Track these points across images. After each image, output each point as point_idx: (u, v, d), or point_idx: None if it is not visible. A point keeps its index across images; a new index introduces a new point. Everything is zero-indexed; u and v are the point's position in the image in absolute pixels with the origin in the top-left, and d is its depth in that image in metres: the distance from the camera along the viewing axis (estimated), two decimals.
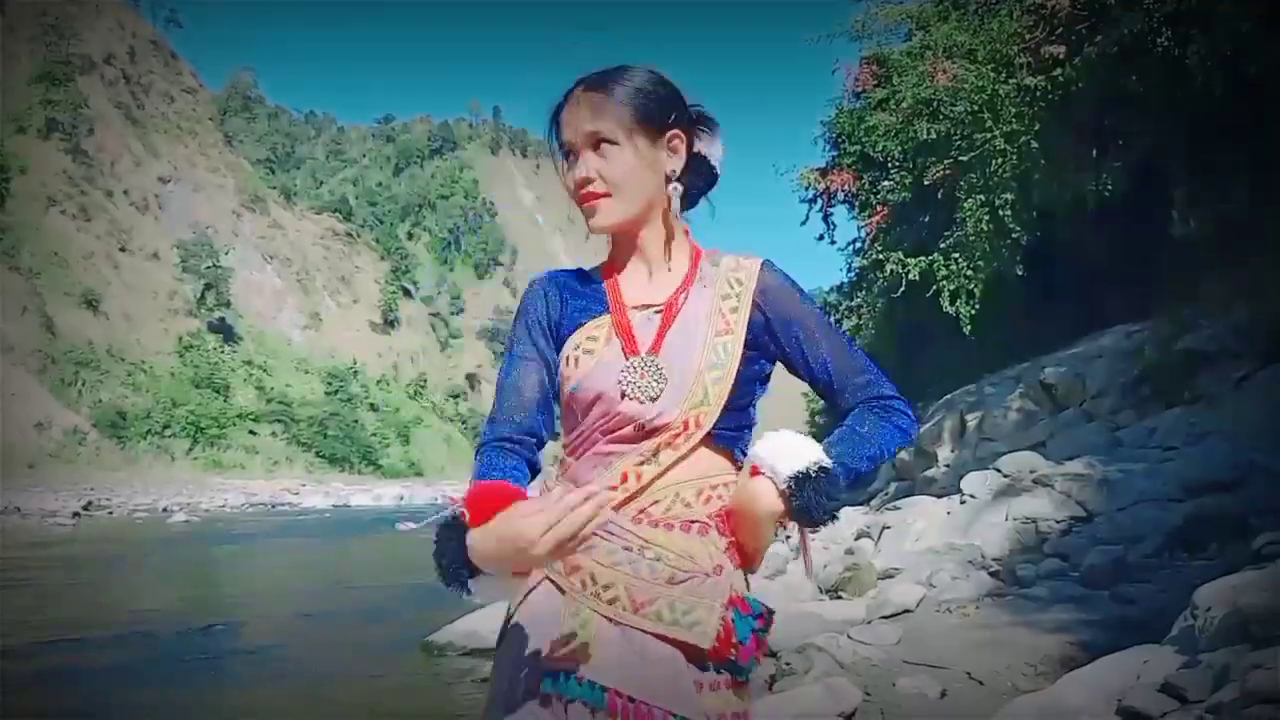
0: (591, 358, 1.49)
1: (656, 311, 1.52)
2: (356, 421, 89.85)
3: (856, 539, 8.73)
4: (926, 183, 12.32)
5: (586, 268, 1.63)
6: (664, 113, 1.51)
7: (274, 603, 11.24)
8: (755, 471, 1.39)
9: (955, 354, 15.05)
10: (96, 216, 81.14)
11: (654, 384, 1.46)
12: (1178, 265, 11.88)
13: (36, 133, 79.41)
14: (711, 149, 1.58)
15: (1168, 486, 7.32)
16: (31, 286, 68.40)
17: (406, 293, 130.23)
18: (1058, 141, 11.00)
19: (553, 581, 1.45)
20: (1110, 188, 10.97)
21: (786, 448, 1.38)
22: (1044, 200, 11.50)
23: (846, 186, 15.46)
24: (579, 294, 1.57)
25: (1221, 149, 10.38)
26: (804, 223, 16.55)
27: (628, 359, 1.48)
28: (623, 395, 1.46)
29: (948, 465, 11.65)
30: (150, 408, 70.29)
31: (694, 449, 1.45)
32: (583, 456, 1.50)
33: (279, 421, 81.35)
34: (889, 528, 8.65)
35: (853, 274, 20.15)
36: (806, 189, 15.91)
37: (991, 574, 6.61)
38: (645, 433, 1.45)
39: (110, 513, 33.99)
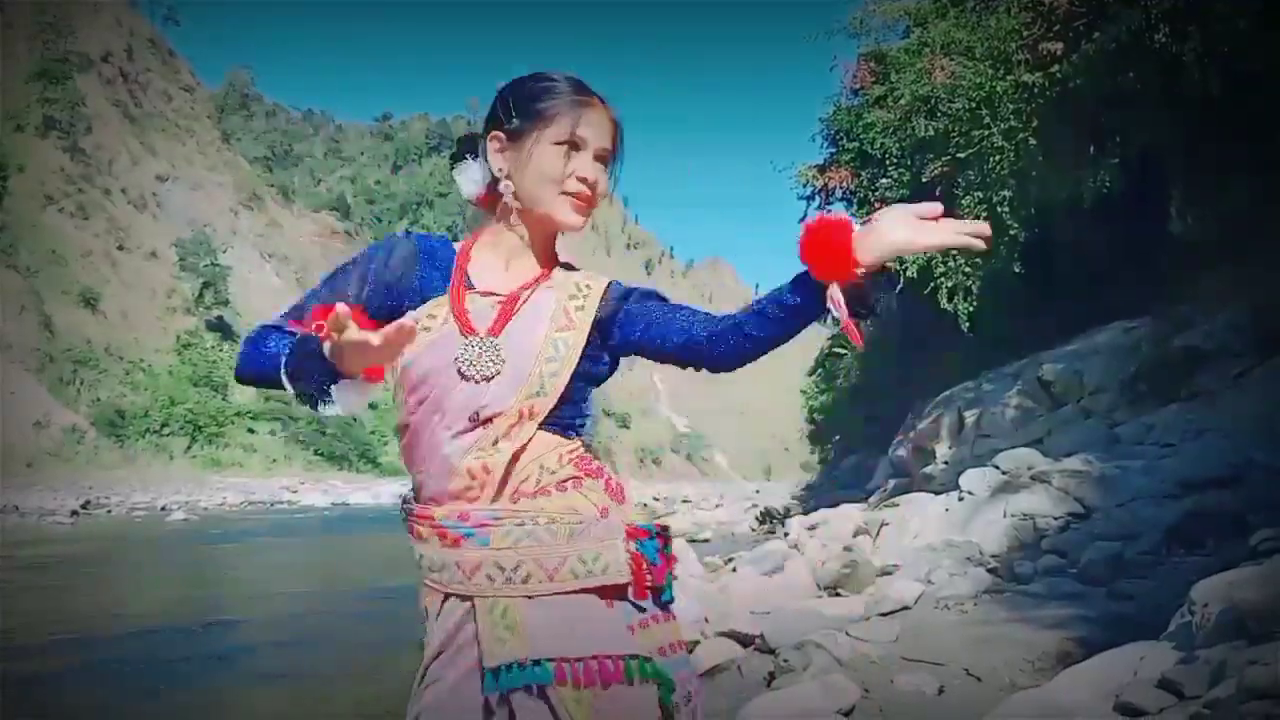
0: (427, 335, 1.51)
1: (499, 301, 1.55)
2: (355, 419, 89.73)
3: (855, 536, 8.75)
4: (924, 180, 12.34)
5: (454, 243, 1.67)
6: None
7: (272, 601, 11.23)
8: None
9: (953, 351, 15.06)
10: (94, 215, 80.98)
11: (491, 364, 1.49)
12: (1175, 262, 11.89)
13: (34, 131, 79.21)
14: None
15: (1165, 483, 7.34)
16: (29, 285, 68.27)
17: None
18: (1055, 138, 11.01)
19: (454, 595, 1.49)
20: (1108, 185, 10.98)
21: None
22: (1042, 197, 11.51)
23: (844, 183, 15.46)
24: (435, 264, 1.60)
25: (1219, 146, 10.39)
26: (802, 219, 16.56)
27: (464, 338, 1.51)
28: (461, 376, 1.49)
29: (946, 462, 11.66)
30: (149, 406, 70.15)
31: (532, 437, 1.50)
32: (427, 469, 1.52)
33: (277, 420, 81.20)
34: (887, 524, 8.67)
35: None
36: (804, 186, 15.92)
37: (990, 570, 6.63)
38: (480, 422, 1.48)
39: (109, 511, 33.95)
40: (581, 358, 1.54)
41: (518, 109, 1.56)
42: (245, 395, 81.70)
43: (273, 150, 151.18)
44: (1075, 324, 12.72)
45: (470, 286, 1.57)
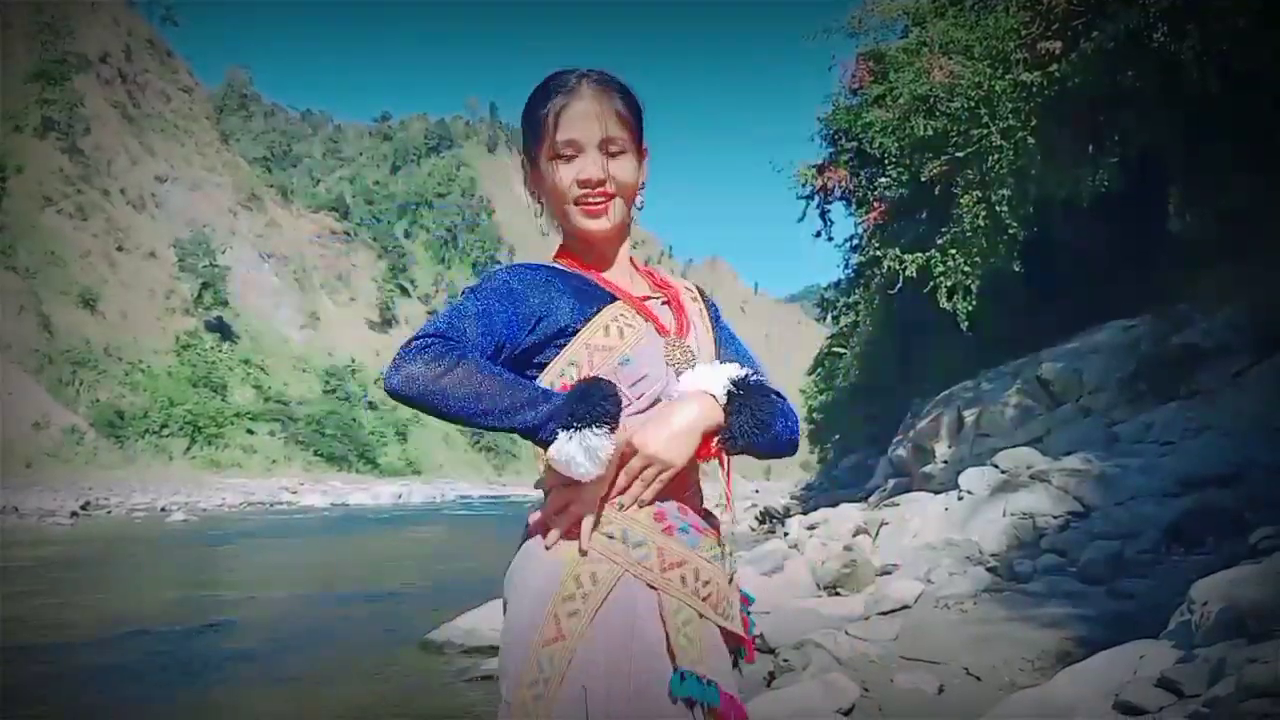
0: (634, 332, 1.50)
1: (664, 301, 1.58)
2: (354, 420, 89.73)
3: (855, 535, 8.75)
4: (923, 179, 12.33)
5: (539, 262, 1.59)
6: (642, 131, 1.56)
7: (273, 601, 11.23)
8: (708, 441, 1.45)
9: (953, 350, 15.06)
10: (93, 215, 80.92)
11: (686, 363, 1.52)
12: (1174, 261, 11.90)
13: (33, 132, 79.15)
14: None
15: (1164, 482, 7.35)
16: (28, 286, 68.23)
17: (404, 291, 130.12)
18: (1054, 137, 11.01)
19: (636, 578, 1.41)
20: (1107, 184, 10.98)
21: (711, 373, 1.47)
22: (1041, 196, 11.51)
23: (843, 183, 15.47)
24: (573, 288, 1.51)
25: (1218, 145, 10.39)
26: (801, 219, 16.58)
27: (663, 337, 1.53)
28: (675, 372, 1.51)
29: (945, 461, 11.67)
30: (148, 407, 70.12)
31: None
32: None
33: (277, 420, 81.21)
34: (887, 524, 8.67)
35: (850, 270, 20.18)
36: (803, 185, 15.92)
37: (989, 570, 6.64)
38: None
39: (108, 512, 33.94)
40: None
41: (525, 129, 1.53)
42: (244, 396, 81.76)
43: (271, 150, 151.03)
44: (1074, 323, 12.73)
45: (639, 296, 1.58)
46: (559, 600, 1.38)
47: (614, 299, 1.52)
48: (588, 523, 1.40)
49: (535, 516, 1.46)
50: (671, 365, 1.50)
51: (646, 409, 1.47)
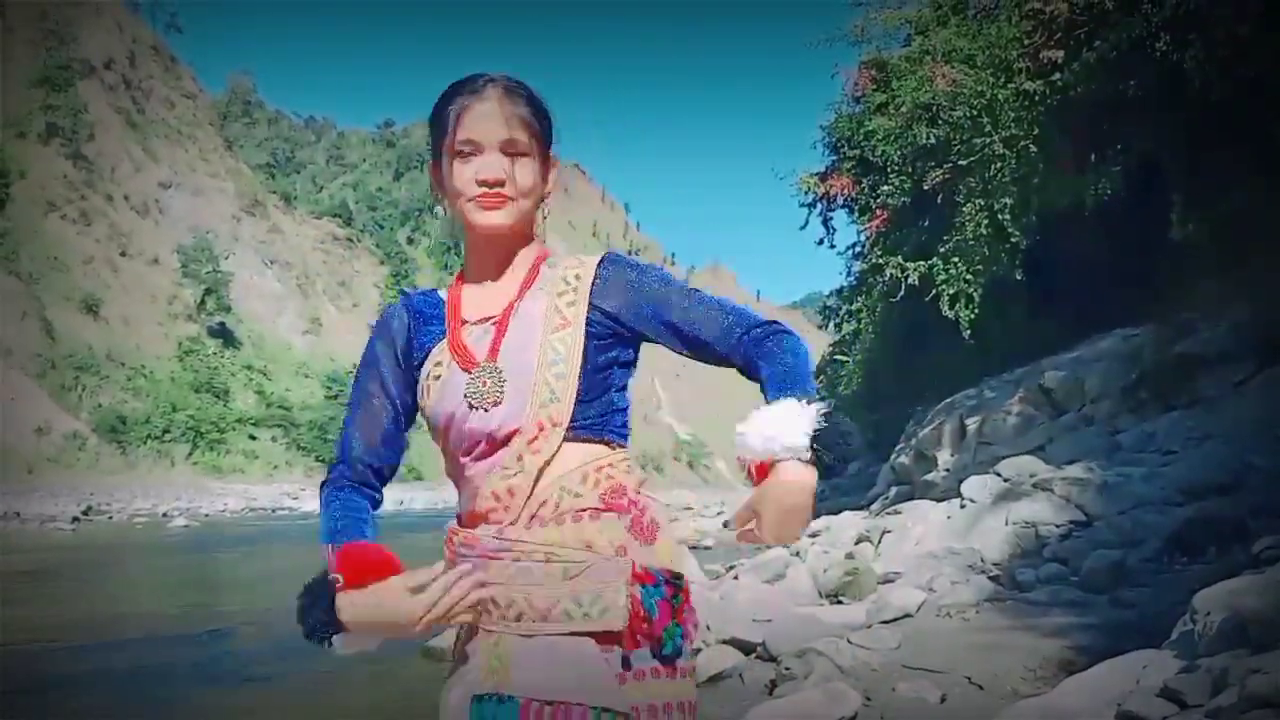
0: (439, 382, 1.50)
1: (493, 323, 1.51)
2: None
3: (856, 543, 8.74)
4: (926, 187, 12.35)
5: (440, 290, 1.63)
6: (549, 138, 1.54)
7: (274, 607, 11.21)
8: (765, 467, 1.36)
9: (955, 358, 15.05)
10: (96, 221, 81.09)
11: (495, 390, 1.45)
12: (1176, 269, 11.89)
13: (36, 137, 79.36)
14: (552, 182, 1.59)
15: (1167, 490, 7.33)
16: (31, 291, 68.35)
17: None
18: (1056, 146, 11.03)
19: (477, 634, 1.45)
20: (1109, 191, 10.98)
21: (778, 422, 1.35)
22: (1043, 204, 11.52)
23: (846, 191, 15.46)
24: (427, 319, 1.58)
25: (1220, 152, 10.39)
26: (804, 227, 16.56)
27: (468, 373, 1.48)
28: (470, 407, 1.46)
29: (947, 469, 11.65)
30: (150, 412, 70.17)
31: (559, 448, 1.45)
32: (462, 491, 1.52)
33: (279, 426, 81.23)
34: (889, 532, 8.66)
35: (852, 278, 20.14)
36: (806, 193, 15.92)
37: (991, 578, 6.63)
38: (500, 443, 1.45)
39: (110, 517, 33.95)
40: (588, 352, 1.48)
41: (431, 126, 1.53)
42: (246, 402, 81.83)
43: (275, 157, 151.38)
44: (1076, 331, 12.72)
45: (464, 321, 1.54)
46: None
47: (442, 338, 1.54)
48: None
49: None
50: (468, 398, 1.46)
51: (445, 445, 1.51)
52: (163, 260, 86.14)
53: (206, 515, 36.91)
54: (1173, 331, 10.48)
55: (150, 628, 9.52)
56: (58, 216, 77.05)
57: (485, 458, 1.47)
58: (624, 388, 1.54)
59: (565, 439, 1.45)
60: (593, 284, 1.51)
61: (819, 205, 16.15)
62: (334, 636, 1.41)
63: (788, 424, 1.34)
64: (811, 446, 1.33)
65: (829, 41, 14.64)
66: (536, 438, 1.44)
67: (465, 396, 1.47)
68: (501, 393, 1.45)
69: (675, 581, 1.44)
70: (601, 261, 1.55)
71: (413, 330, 1.58)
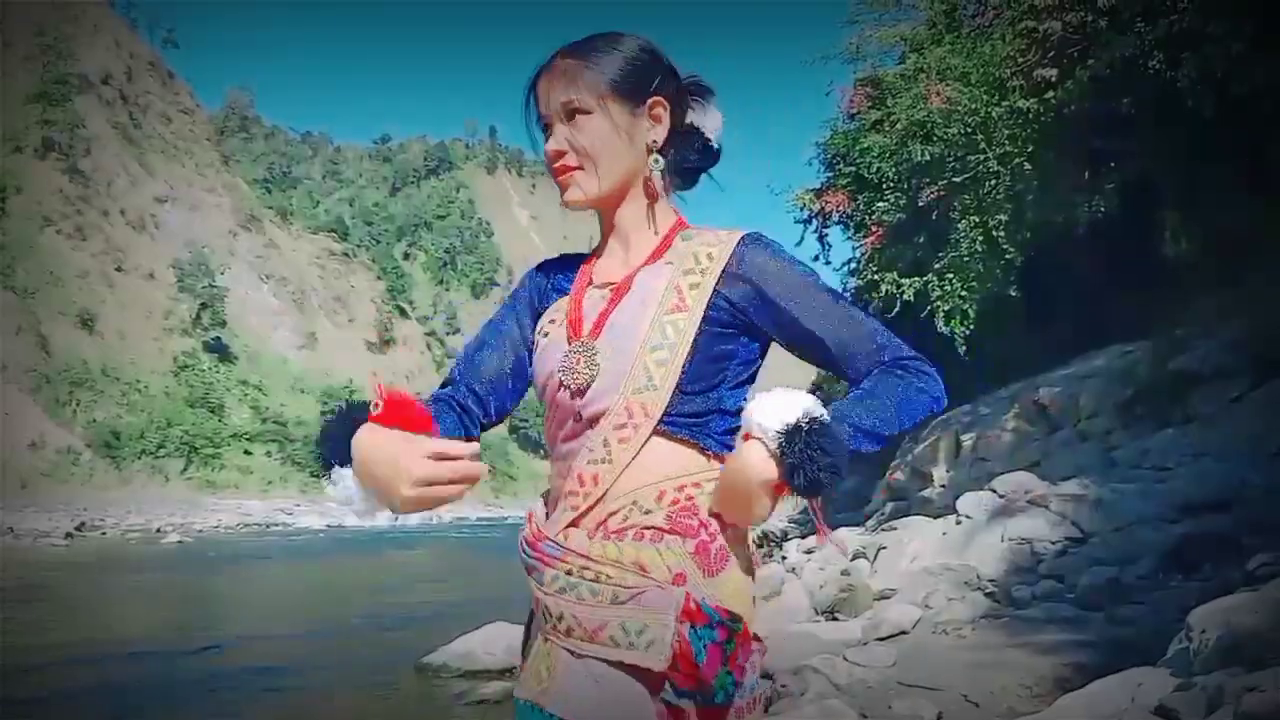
0: (545, 341, 1.42)
1: (612, 288, 1.40)
2: None
3: (852, 559, 8.72)
4: (921, 204, 12.38)
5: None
6: (644, 79, 1.40)
7: (268, 624, 11.18)
8: (746, 436, 1.25)
9: (950, 374, 14.80)
10: (92, 236, 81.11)
11: (586, 370, 1.34)
12: (1170, 285, 11.92)
13: (33, 152, 79.49)
14: (705, 120, 1.46)
15: (1162, 507, 7.33)
16: (26, 305, 68.33)
17: (402, 312, 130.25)
18: (1051, 163, 11.06)
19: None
20: (1103, 209, 11.01)
21: (775, 403, 1.23)
22: (1037, 221, 11.55)
23: (841, 207, 15.49)
24: (562, 276, 1.49)
25: (1214, 169, 10.44)
26: (799, 243, 16.61)
27: (568, 344, 1.37)
28: (560, 384, 1.36)
29: (943, 485, 11.64)
30: (145, 427, 70.06)
31: (647, 441, 1.31)
32: (553, 463, 1.41)
33: (274, 441, 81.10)
34: (885, 548, 8.64)
35: (848, 294, 20.21)
36: (801, 209, 15.96)
37: (987, 595, 6.62)
38: (588, 423, 1.34)
39: (103, 533, 33.85)
40: (700, 340, 1.33)
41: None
42: (241, 417, 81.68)
43: (271, 172, 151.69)
44: (1071, 347, 12.74)
45: (591, 282, 1.43)
46: None
47: (564, 294, 1.46)
48: None
49: None
50: (560, 373, 1.36)
51: (562, 423, 1.38)
52: (158, 275, 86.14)
53: (200, 531, 36.80)
54: (1168, 348, 10.50)
55: (143, 644, 9.48)
56: (54, 231, 77.09)
57: (573, 438, 1.36)
58: (738, 386, 1.37)
59: (657, 432, 1.32)
60: (725, 266, 1.36)
61: (814, 221, 16.19)
62: (336, 470, 1.28)
63: (777, 407, 1.22)
64: (783, 446, 1.20)
65: (824, 59, 14.69)
66: (626, 425, 1.31)
67: (559, 371, 1.36)
68: (593, 375, 1.33)
69: (732, 624, 1.27)
70: (742, 240, 1.38)
71: (548, 284, 1.50)
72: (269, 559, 22.63)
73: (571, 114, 1.37)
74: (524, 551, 1.37)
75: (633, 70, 1.39)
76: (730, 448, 1.31)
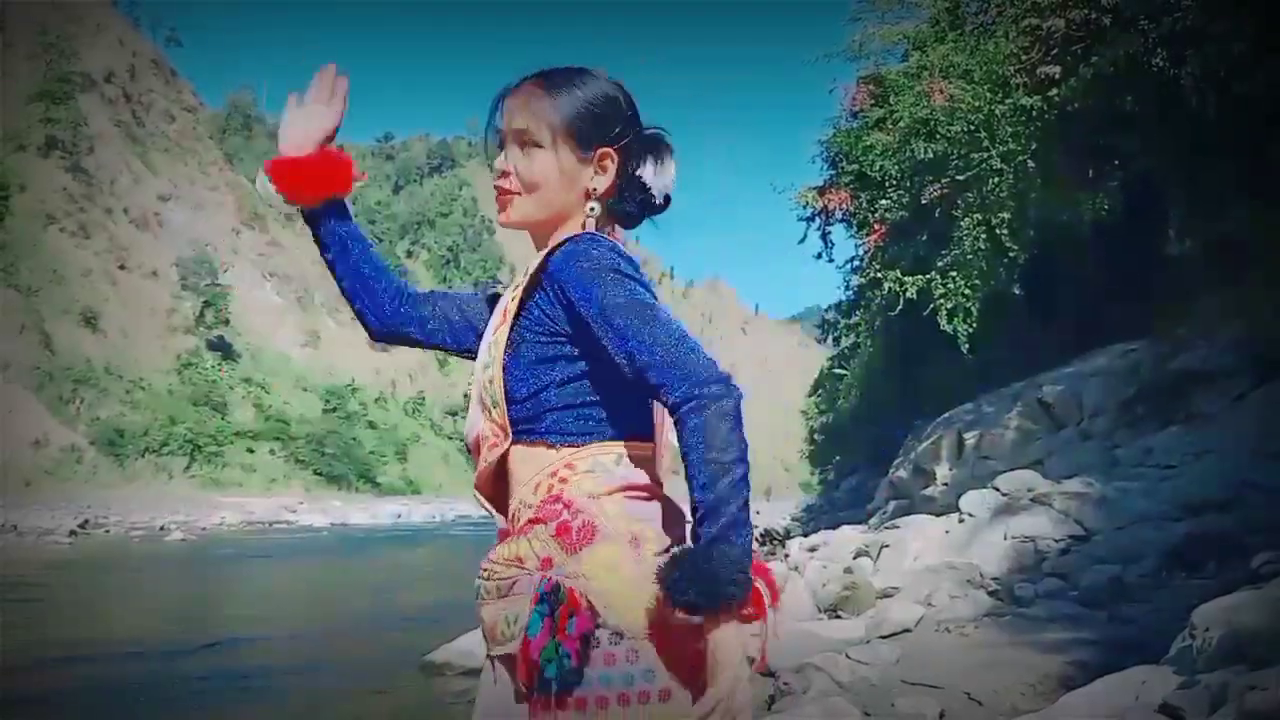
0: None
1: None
2: (354, 439, 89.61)
3: (855, 558, 8.72)
4: (924, 202, 12.36)
5: None
6: (601, 127, 1.41)
7: (272, 622, 11.20)
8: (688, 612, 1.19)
9: (953, 372, 15.06)
10: (95, 234, 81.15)
11: (468, 402, 1.47)
12: (1173, 284, 11.92)
13: (36, 150, 79.47)
14: (655, 175, 1.45)
15: (1165, 505, 7.34)
16: (30, 304, 68.34)
17: None
18: (1054, 161, 11.06)
19: None
20: (1106, 207, 11.01)
21: (691, 575, 1.18)
22: (1041, 219, 11.55)
23: (844, 205, 15.47)
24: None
25: (1217, 168, 10.43)
26: (802, 241, 16.60)
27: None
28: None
29: (946, 484, 11.64)
30: (148, 425, 70.05)
31: (506, 453, 1.37)
32: None
33: (277, 439, 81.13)
34: (887, 546, 8.64)
35: (851, 292, 20.20)
36: (804, 207, 15.94)
37: (990, 593, 6.62)
38: (475, 451, 1.42)
39: (107, 531, 33.87)
40: (518, 347, 1.36)
41: None
42: (245, 415, 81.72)
43: None
44: (1074, 346, 12.73)
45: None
46: None
47: None
48: None
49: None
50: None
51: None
52: (162, 273, 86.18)
53: (204, 529, 36.83)
54: (1170, 347, 10.50)
55: (147, 641, 9.50)
56: (57, 229, 77.11)
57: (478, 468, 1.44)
58: (567, 383, 1.35)
59: (515, 442, 1.36)
60: (538, 272, 1.37)
61: (817, 219, 16.16)
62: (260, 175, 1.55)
63: (707, 573, 1.18)
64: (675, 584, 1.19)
65: (827, 57, 14.68)
66: (496, 445, 1.37)
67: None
68: (468, 404, 1.45)
69: (553, 595, 1.25)
70: (559, 246, 1.36)
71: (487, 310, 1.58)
72: (272, 557, 22.66)
73: (524, 143, 1.42)
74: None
75: (592, 117, 1.41)
76: (580, 435, 1.35)
